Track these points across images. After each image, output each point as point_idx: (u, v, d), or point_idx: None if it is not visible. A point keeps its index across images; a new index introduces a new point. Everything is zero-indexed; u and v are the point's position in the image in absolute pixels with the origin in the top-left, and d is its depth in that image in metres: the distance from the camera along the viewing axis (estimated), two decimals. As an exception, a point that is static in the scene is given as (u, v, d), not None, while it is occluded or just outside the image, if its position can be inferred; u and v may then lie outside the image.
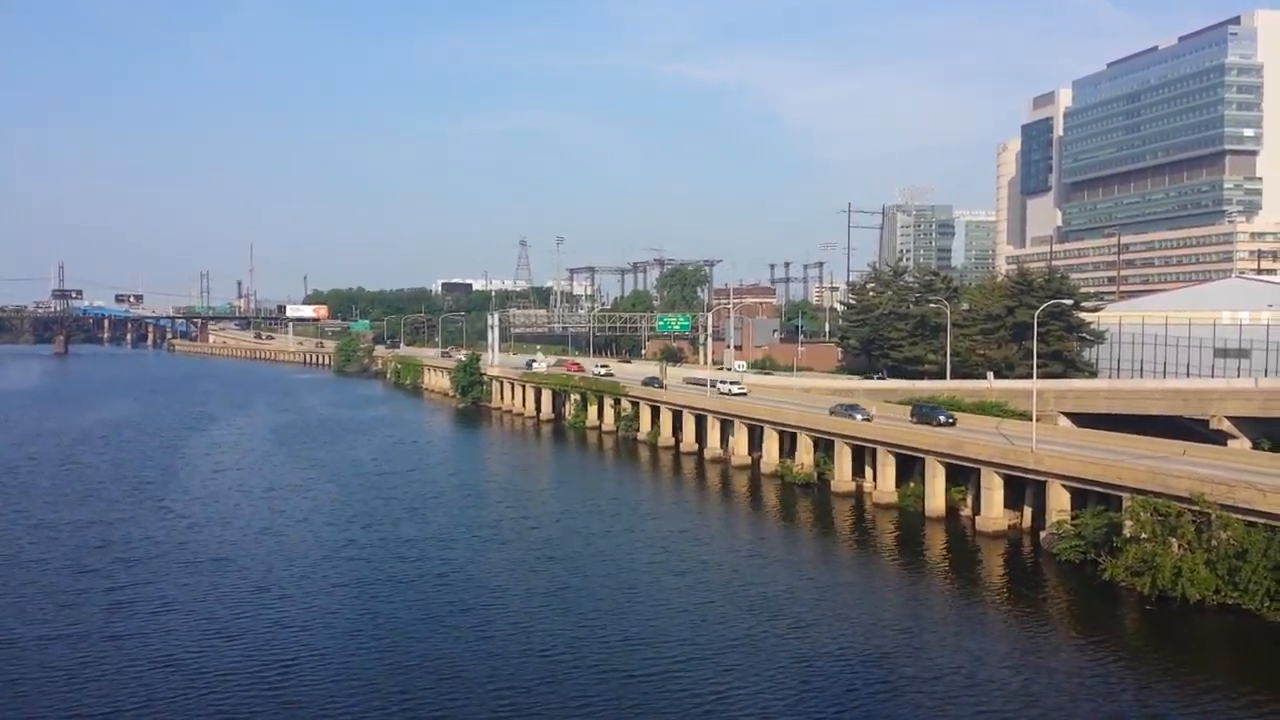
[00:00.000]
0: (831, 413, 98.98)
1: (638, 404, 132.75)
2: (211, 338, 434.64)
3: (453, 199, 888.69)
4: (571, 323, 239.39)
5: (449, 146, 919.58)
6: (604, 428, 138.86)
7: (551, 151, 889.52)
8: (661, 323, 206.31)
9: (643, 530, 77.64)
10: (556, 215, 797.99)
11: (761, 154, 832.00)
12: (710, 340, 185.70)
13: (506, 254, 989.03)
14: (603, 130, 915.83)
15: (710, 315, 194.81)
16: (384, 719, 40.94)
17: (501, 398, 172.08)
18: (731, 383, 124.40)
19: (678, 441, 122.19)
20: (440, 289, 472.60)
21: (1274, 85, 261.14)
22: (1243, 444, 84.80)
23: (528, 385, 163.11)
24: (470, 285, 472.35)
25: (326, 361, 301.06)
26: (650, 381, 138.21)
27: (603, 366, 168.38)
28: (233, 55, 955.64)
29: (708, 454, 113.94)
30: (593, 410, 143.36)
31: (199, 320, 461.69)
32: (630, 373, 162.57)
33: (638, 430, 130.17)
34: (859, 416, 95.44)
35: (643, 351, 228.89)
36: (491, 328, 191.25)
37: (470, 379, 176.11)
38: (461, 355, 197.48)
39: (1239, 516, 56.73)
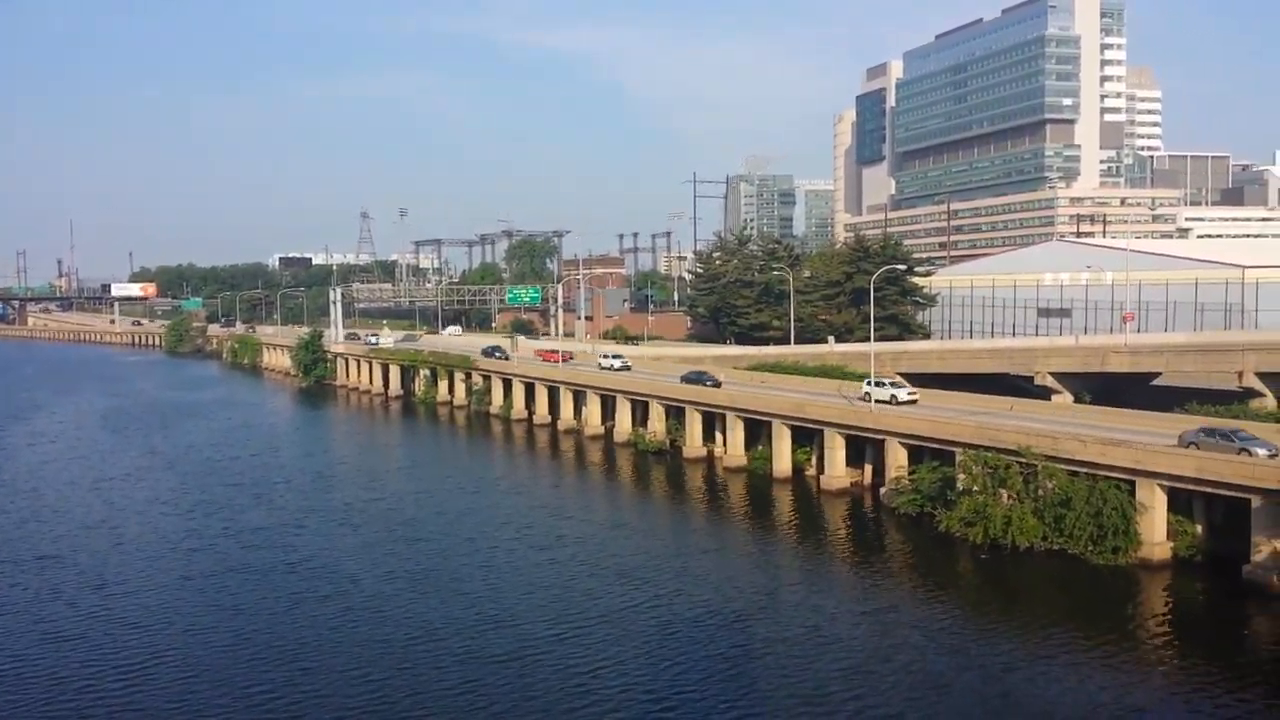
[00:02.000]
0: (683, 380, 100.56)
1: (489, 377, 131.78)
2: (31, 320, 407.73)
3: (290, 169, 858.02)
4: (418, 296, 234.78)
5: (285, 114, 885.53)
6: (455, 402, 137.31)
7: (394, 120, 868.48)
8: (511, 295, 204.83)
9: (502, 506, 77.40)
10: (400, 186, 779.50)
11: (609, 124, 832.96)
12: (561, 311, 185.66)
13: (348, 227, 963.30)
14: (448, 99, 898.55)
15: (560, 286, 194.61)
16: (236, 717, 39.73)
17: (347, 375, 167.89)
18: (614, 356, 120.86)
19: (531, 414, 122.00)
20: (278, 264, 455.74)
21: (1090, 56, 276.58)
22: (1065, 398, 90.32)
23: (374, 361, 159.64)
24: (310, 259, 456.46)
25: (156, 342, 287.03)
26: (491, 351, 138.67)
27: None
28: (46, 9, 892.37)
29: (561, 425, 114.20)
30: (443, 385, 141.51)
31: (16, 302, 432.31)
32: (479, 346, 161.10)
33: (490, 404, 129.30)
34: (708, 383, 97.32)
35: (493, 324, 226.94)
36: (334, 303, 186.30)
37: (313, 356, 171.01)
38: (303, 332, 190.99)
39: (1063, 467, 60.64)
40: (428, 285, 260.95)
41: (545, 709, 39.49)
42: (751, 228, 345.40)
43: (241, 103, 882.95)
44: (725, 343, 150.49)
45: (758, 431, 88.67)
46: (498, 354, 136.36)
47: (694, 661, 44.24)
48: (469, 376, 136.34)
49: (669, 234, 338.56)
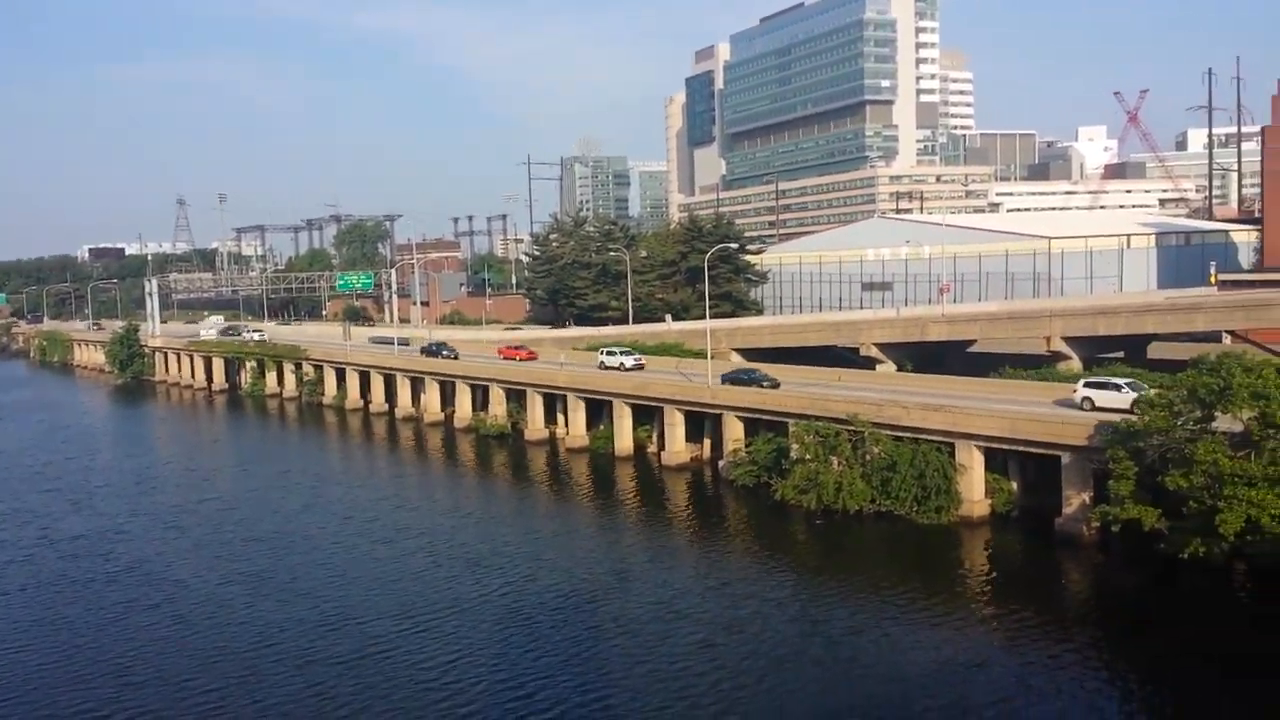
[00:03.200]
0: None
1: (320, 367, 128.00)
2: None
3: (99, 157, 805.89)
4: (242, 285, 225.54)
5: (90, 99, 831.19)
6: (285, 394, 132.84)
7: (210, 104, 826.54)
8: (342, 281, 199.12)
9: (342, 500, 75.41)
10: (218, 172, 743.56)
11: (439, 107, 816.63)
12: (396, 298, 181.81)
13: (163, 215, 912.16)
14: (267, 82, 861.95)
15: (394, 272, 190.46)
16: (61, 731, 37.57)
17: (167, 370, 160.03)
18: (623, 352, 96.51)
19: (367, 403, 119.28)
20: (88, 255, 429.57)
21: (906, 39, 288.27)
22: (889, 367, 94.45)
23: (196, 355, 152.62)
24: (123, 250, 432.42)
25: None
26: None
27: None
28: None
29: (399, 413, 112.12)
30: (271, 377, 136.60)
31: None
32: (311, 335, 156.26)
33: (323, 394, 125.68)
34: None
35: (324, 312, 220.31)
36: (150, 295, 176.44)
37: (130, 352, 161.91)
38: (118, 326, 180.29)
39: (888, 433, 63.59)
40: (251, 274, 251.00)
41: (398, 709, 38.60)
42: (587, 209, 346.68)
43: (41, 88, 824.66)
44: (565, 324, 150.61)
45: (599, 411, 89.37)
46: (445, 353, 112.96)
47: (549, 647, 44.16)
48: (299, 366, 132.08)
49: (505, 217, 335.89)
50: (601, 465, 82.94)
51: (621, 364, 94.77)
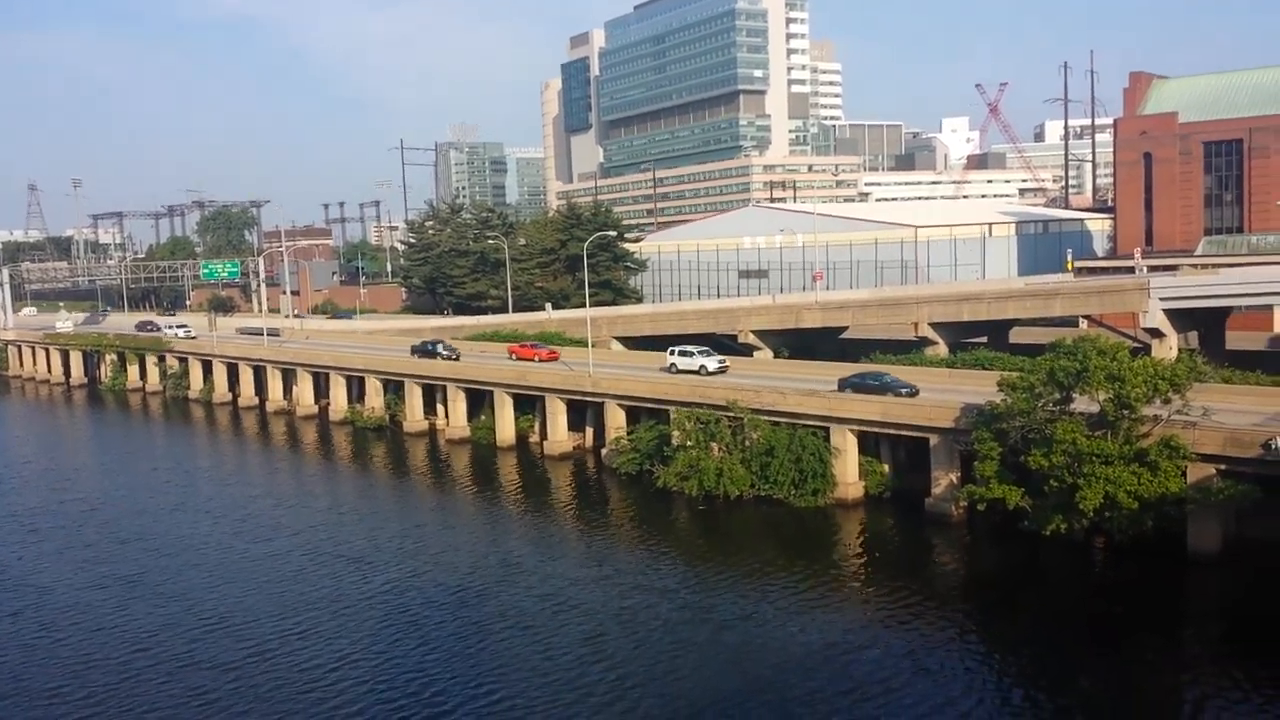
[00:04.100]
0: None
1: (186, 359, 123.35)
2: None
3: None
4: (99, 274, 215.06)
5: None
6: (149, 388, 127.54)
7: (59, 85, 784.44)
8: (207, 270, 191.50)
9: (215, 498, 73.00)
10: (72, 156, 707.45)
11: (308, 91, 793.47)
12: (264, 287, 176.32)
13: (13, 201, 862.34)
14: (119, 64, 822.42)
15: (262, 260, 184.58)
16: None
17: (21, 364, 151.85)
18: (702, 352, 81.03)
19: (236, 397, 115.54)
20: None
21: (777, 30, 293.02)
22: (766, 354, 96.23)
23: (52, 348, 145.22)
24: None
25: None
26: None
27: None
28: None
29: (270, 406, 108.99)
30: (133, 370, 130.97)
31: None
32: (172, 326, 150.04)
33: (188, 388, 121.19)
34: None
35: (187, 302, 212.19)
36: (1, 285, 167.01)
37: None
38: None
39: (766, 418, 64.93)
40: (110, 262, 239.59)
41: (282, 712, 37.71)
42: (464, 196, 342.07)
43: None
44: (443, 313, 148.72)
45: (480, 401, 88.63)
46: (443, 351, 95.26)
47: (436, 644, 43.63)
48: (163, 359, 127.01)
49: (378, 203, 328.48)
50: (483, 456, 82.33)
51: (702, 367, 78.10)
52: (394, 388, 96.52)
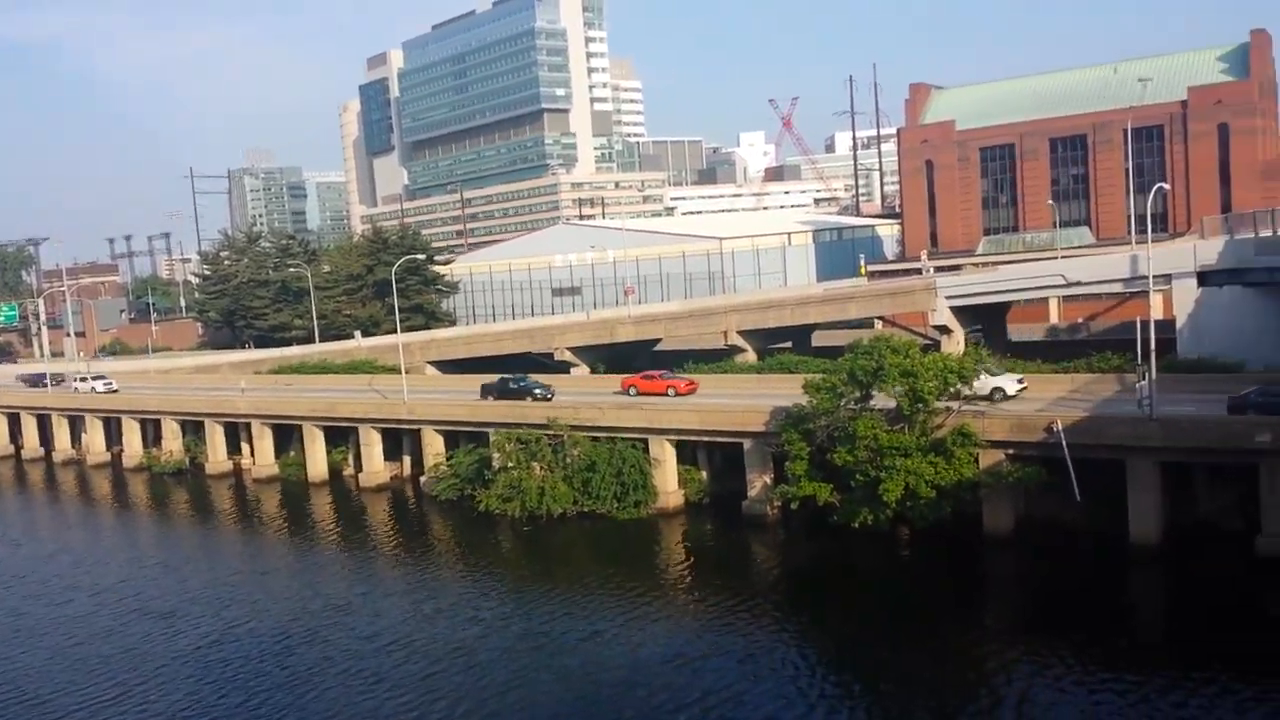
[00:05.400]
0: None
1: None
2: None
3: None
4: None
5: None
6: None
7: None
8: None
9: (6, 561, 66.98)
10: None
11: (85, 119, 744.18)
12: (45, 329, 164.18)
13: None
14: None
15: (41, 301, 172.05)
16: None
17: None
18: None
19: (18, 448, 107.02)
20: None
21: (577, 49, 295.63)
22: (582, 370, 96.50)
23: None
24: None
25: None
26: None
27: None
28: None
29: (58, 456, 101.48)
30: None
31: None
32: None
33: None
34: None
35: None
36: None
37: None
38: None
39: (586, 434, 65.00)
40: None
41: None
42: (261, 223, 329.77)
43: None
44: (244, 347, 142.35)
45: (288, 437, 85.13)
46: (538, 391, 74.77)
47: (256, 700, 40.65)
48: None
49: (168, 235, 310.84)
50: (294, 494, 78.97)
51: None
52: (193, 428, 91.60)
